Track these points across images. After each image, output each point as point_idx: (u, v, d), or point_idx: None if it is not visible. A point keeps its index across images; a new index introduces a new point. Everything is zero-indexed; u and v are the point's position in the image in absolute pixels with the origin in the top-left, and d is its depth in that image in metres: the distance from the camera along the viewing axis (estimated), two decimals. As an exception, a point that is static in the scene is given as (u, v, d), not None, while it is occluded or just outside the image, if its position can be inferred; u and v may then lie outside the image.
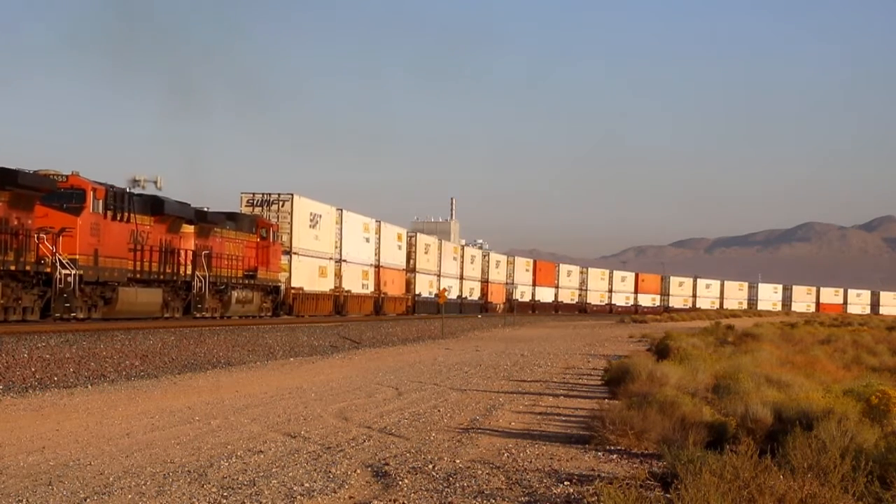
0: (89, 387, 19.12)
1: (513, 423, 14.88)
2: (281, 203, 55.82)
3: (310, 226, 58.52)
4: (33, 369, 20.53)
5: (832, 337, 39.56)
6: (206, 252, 43.31)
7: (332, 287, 62.40)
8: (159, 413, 15.22)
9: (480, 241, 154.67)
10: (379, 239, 71.55)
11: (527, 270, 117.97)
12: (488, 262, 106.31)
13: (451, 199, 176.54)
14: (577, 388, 21.30)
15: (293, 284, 55.63)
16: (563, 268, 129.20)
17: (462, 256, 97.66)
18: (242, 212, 53.50)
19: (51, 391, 18.16)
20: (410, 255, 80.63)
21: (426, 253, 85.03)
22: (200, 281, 42.41)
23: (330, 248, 62.11)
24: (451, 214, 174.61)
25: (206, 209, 44.67)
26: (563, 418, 15.77)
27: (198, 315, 42.46)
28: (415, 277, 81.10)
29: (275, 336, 35.14)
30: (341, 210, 64.85)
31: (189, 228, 42.74)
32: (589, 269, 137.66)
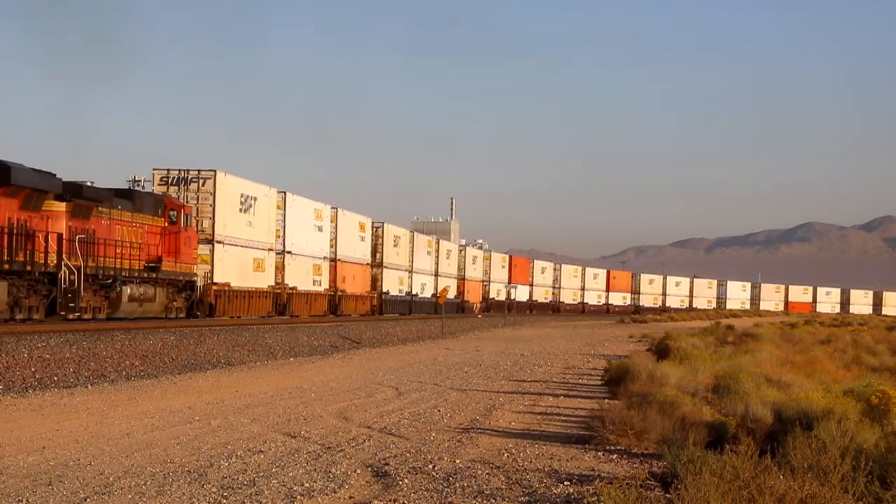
0: (89, 387, 19.12)
1: (513, 423, 14.88)
2: (201, 181, 46.26)
3: (241, 210, 48.97)
4: (33, 369, 20.52)
5: (832, 337, 39.60)
6: (83, 236, 34.57)
7: (272, 283, 53.16)
8: (159, 413, 15.21)
9: (480, 241, 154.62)
10: (336, 228, 62.57)
11: (503, 267, 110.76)
12: (464, 257, 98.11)
13: (451, 198, 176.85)
14: (577, 388, 21.29)
15: (216, 279, 46.25)
16: (538, 264, 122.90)
17: (437, 251, 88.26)
18: (155, 191, 44.19)
19: (51, 391, 18.15)
20: (377, 248, 71.57)
21: (395, 246, 75.49)
22: (72, 272, 33.14)
23: (268, 236, 52.44)
24: (451, 214, 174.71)
25: (88, 183, 36.10)
26: (563, 418, 15.77)
27: (70, 316, 33.68)
28: (381, 273, 72.05)
29: (275, 336, 35.15)
30: (284, 193, 55.30)
31: (58, 206, 33.88)
32: (562, 265, 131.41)
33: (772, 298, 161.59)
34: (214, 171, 46.58)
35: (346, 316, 62.43)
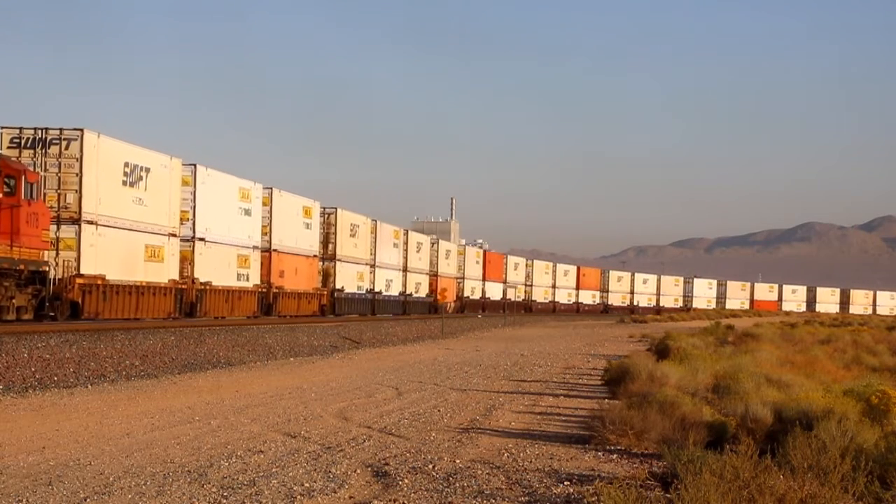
0: (89, 387, 19.12)
1: (513, 423, 14.87)
2: (64, 143, 36.39)
3: (125, 182, 39.28)
4: (33, 369, 20.53)
5: (832, 337, 39.59)
6: None
7: (175, 277, 43.44)
8: (159, 413, 15.21)
9: (480, 240, 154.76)
10: (270, 212, 53.00)
11: (477, 263, 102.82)
12: (437, 251, 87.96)
13: (451, 198, 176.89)
14: (577, 388, 21.29)
15: (84, 270, 36.67)
16: (511, 260, 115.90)
17: (406, 243, 78.12)
18: (3, 155, 33.95)
19: (51, 391, 18.15)
20: (329, 238, 62.65)
21: (353, 236, 65.84)
22: None
23: (168, 218, 42.58)
24: (451, 214, 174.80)
25: None
26: (563, 418, 15.77)
27: None
28: (335, 267, 62.84)
29: (275, 336, 35.18)
30: (194, 165, 45.37)
31: None
32: (534, 261, 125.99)
33: (737, 297, 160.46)
34: (81, 129, 36.90)
35: (283, 317, 53.83)
